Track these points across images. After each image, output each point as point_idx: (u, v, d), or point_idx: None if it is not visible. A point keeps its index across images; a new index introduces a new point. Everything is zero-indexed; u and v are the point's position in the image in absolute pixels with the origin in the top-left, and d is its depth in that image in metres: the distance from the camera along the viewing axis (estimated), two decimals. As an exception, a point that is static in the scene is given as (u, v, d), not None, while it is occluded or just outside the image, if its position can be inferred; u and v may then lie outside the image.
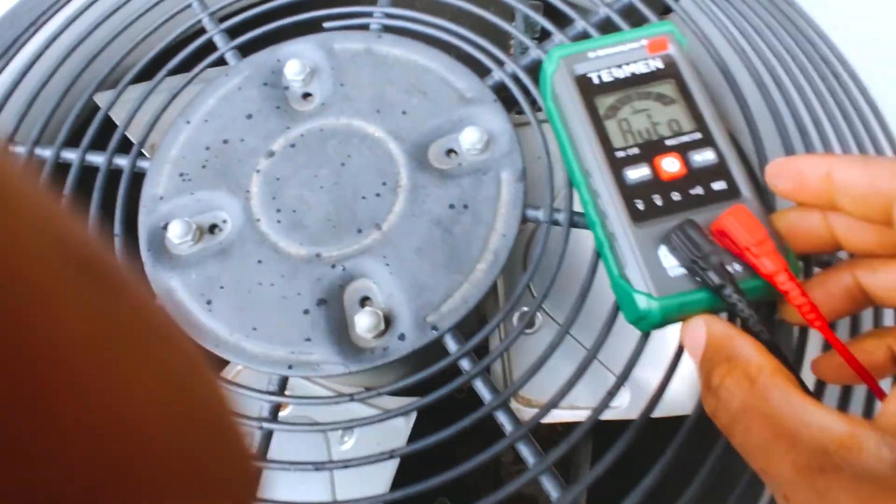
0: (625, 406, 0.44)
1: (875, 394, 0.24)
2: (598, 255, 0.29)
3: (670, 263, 0.25)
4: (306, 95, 0.36)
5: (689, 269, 0.25)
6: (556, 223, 0.31)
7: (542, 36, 0.58)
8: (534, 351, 0.45)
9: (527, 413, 0.42)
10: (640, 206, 0.27)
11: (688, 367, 0.44)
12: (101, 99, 0.36)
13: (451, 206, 0.31)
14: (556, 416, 0.42)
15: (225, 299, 0.30)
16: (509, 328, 0.44)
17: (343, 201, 0.32)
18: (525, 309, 0.45)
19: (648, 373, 0.33)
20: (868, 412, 0.28)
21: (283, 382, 0.29)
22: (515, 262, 0.46)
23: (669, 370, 0.29)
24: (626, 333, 0.41)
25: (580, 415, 0.43)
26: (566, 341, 0.45)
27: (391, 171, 0.32)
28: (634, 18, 0.37)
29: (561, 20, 0.37)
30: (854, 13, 0.40)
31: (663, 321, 0.26)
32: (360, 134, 0.33)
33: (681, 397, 0.40)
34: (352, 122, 0.34)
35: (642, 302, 0.25)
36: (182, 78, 0.36)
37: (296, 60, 0.35)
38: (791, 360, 0.24)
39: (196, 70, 0.36)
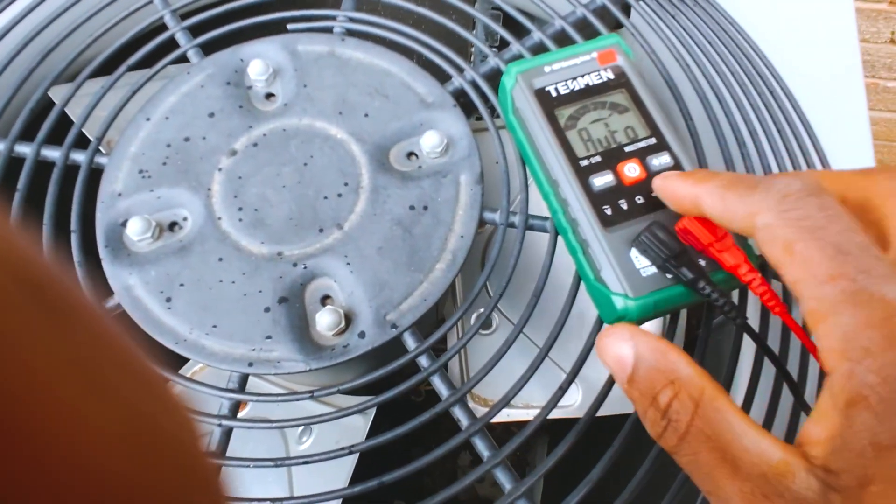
0: (577, 404, 0.45)
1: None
2: (574, 261, 0.30)
3: (642, 264, 0.27)
4: (269, 95, 0.36)
5: (662, 267, 0.27)
6: (512, 226, 0.32)
7: (502, 44, 0.60)
8: (490, 351, 0.47)
9: (483, 412, 0.44)
10: (609, 211, 0.28)
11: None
12: (58, 93, 0.36)
13: (412, 208, 0.32)
14: (511, 414, 0.44)
15: (185, 297, 0.30)
16: (467, 328, 0.45)
17: (305, 201, 0.32)
18: (482, 310, 0.46)
19: (601, 372, 0.35)
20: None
21: (244, 380, 0.29)
22: (473, 263, 0.47)
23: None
24: (580, 333, 0.42)
25: (535, 413, 0.44)
26: (522, 342, 0.47)
27: (353, 171, 0.33)
28: (588, 32, 0.39)
29: (518, 29, 0.39)
30: (790, 32, 0.43)
31: (640, 319, 0.28)
32: (322, 135, 0.34)
33: (619, 397, 0.42)
34: (314, 123, 0.34)
35: (619, 302, 0.27)
36: (142, 74, 0.36)
37: (259, 60, 0.35)
38: (764, 341, 0.26)
39: (158, 66, 0.36)
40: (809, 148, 0.38)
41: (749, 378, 0.29)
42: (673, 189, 0.25)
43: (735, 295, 0.32)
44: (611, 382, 0.31)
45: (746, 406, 0.28)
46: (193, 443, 0.11)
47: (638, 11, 0.42)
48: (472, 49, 0.64)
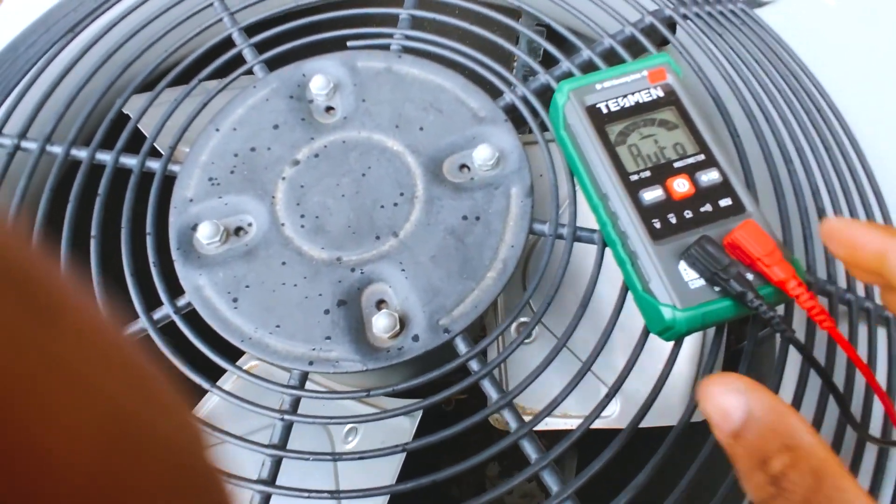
0: (615, 415, 0.46)
1: (881, 399, 0.27)
2: (622, 274, 0.31)
3: (690, 277, 0.28)
4: (329, 109, 0.38)
5: (710, 280, 0.27)
6: (560, 237, 0.33)
7: (545, 60, 0.61)
8: (529, 361, 0.48)
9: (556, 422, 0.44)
10: (658, 224, 0.29)
11: (677, 378, 0.47)
12: (136, 103, 0.38)
13: (465, 218, 0.33)
14: (550, 423, 0.44)
15: (250, 298, 0.32)
16: (507, 338, 0.46)
17: (363, 209, 0.34)
18: (524, 319, 0.47)
19: (637, 383, 0.36)
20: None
21: (304, 378, 0.31)
22: (514, 273, 0.48)
23: (659, 383, 0.31)
24: (620, 344, 0.43)
25: (571, 423, 0.45)
26: (560, 352, 0.48)
27: (408, 182, 0.34)
28: (634, 49, 0.40)
29: (564, 47, 0.40)
30: (838, 51, 0.43)
31: (688, 330, 0.29)
32: (379, 147, 0.36)
33: (668, 408, 0.42)
34: (372, 136, 0.36)
35: (668, 313, 0.28)
36: (213, 85, 0.38)
37: (320, 75, 0.37)
38: (812, 354, 0.26)
39: (227, 80, 0.38)
40: (858, 167, 0.38)
41: (794, 392, 0.29)
42: (854, 235, 0.23)
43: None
44: (653, 396, 0.31)
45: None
46: (188, 443, 0.11)
47: (685, 30, 0.42)
48: (514, 64, 0.66)
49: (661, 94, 0.33)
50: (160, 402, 0.11)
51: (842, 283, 0.34)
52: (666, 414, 0.40)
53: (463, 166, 0.36)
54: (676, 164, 0.31)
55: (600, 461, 0.29)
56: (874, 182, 0.39)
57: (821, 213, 0.35)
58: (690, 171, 0.30)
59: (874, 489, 0.30)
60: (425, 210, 0.34)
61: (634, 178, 0.30)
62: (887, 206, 0.38)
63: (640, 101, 0.32)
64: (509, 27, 0.41)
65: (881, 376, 0.33)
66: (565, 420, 0.45)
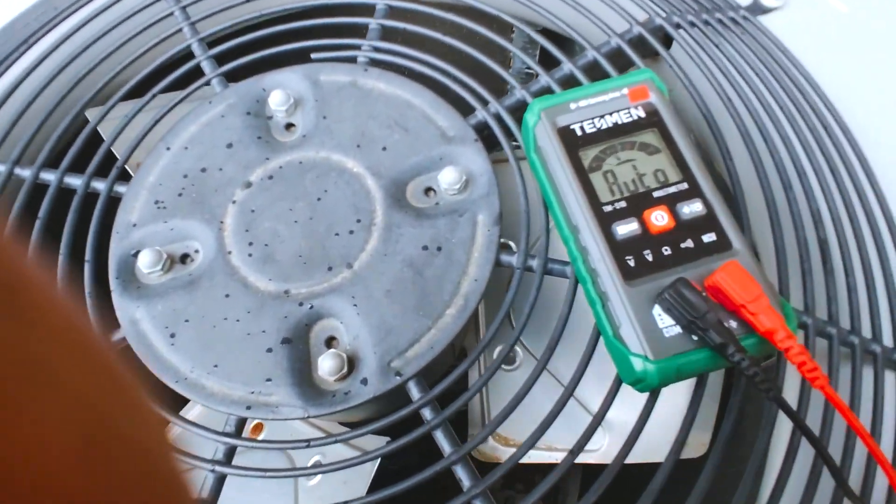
0: (603, 449, 0.43)
1: (885, 471, 0.24)
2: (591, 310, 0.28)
3: (666, 323, 0.25)
4: (289, 126, 0.35)
5: (687, 328, 0.24)
6: (529, 269, 0.30)
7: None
8: (513, 388, 0.45)
9: (503, 452, 0.42)
10: (631, 262, 0.26)
11: (663, 411, 0.43)
12: (91, 114, 0.36)
13: (425, 248, 0.31)
14: (533, 456, 0.41)
15: (189, 333, 0.29)
16: (489, 363, 0.43)
17: (316, 237, 0.31)
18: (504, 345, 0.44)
19: (629, 415, 0.32)
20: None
21: (241, 423, 0.29)
22: (500, 294, 0.45)
23: (642, 417, 0.28)
24: (609, 372, 0.40)
25: (556, 456, 0.42)
26: (548, 379, 0.45)
27: (367, 207, 0.32)
28: (621, 62, 0.36)
29: (545, 59, 0.37)
30: (851, 59, 0.39)
31: (661, 383, 0.25)
32: (338, 168, 0.33)
33: (661, 443, 0.39)
34: (331, 156, 0.33)
35: (638, 364, 0.25)
36: (170, 99, 0.36)
37: (280, 91, 0.35)
38: (798, 416, 0.23)
39: (182, 94, 0.36)
40: (868, 192, 0.35)
41: (783, 458, 0.26)
42: None
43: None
44: (639, 429, 0.28)
45: (779, 490, 0.25)
46: (156, 445, 0.11)
47: (678, 42, 0.39)
48: (510, 70, 0.63)
49: (643, 114, 0.29)
50: (131, 403, 0.11)
51: (845, 323, 0.31)
52: (658, 450, 0.37)
53: (429, 189, 0.33)
54: (656, 194, 0.27)
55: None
56: (886, 208, 0.35)
57: (822, 245, 0.32)
58: (671, 201, 0.27)
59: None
60: (383, 238, 0.31)
61: (608, 208, 0.27)
62: (901, 236, 0.34)
63: (619, 122, 0.29)
64: (497, 42, 0.38)
65: (888, 428, 0.30)
66: (550, 453, 0.43)
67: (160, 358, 0.29)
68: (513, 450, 0.37)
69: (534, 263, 0.30)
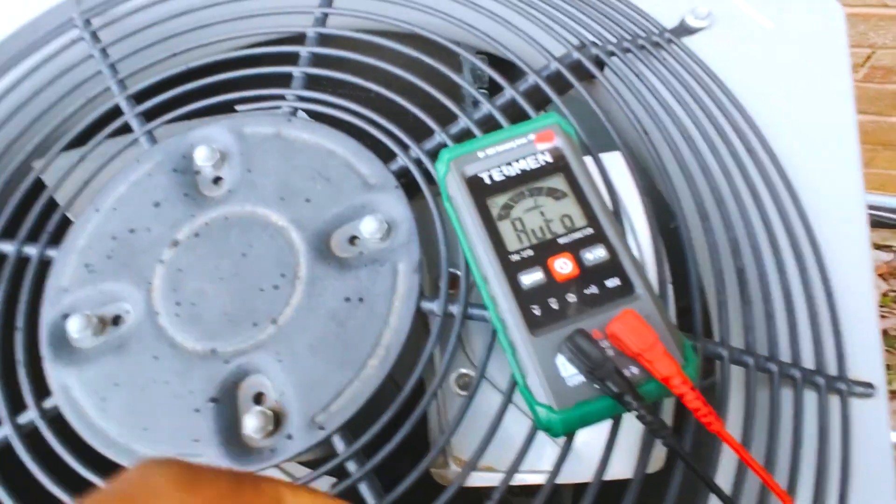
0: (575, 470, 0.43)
1: (775, 493, 0.24)
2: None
3: (569, 372, 0.25)
4: (217, 180, 0.36)
5: (587, 377, 0.25)
6: (449, 316, 0.31)
7: (492, 90, 0.58)
8: (471, 413, 0.45)
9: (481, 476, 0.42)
10: (537, 311, 0.27)
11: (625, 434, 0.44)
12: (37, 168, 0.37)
13: (347, 300, 0.31)
14: (476, 479, 0.42)
15: (119, 397, 0.30)
16: (447, 391, 0.44)
17: (241, 294, 0.32)
18: (462, 371, 0.45)
19: (584, 434, 0.33)
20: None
21: (172, 484, 0.29)
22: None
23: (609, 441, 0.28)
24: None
25: (501, 478, 0.43)
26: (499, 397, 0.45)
27: (291, 261, 0.32)
28: (560, 86, 0.37)
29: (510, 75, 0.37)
30: (777, 84, 0.40)
31: (567, 432, 0.26)
32: (262, 222, 0.33)
33: (619, 463, 0.40)
34: (256, 210, 0.34)
35: (543, 414, 0.25)
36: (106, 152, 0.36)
37: (204, 146, 0.35)
38: (694, 463, 0.24)
39: (110, 157, 0.36)
40: (792, 216, 0.35)
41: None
42: None
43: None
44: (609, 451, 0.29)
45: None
46: None
47: (610, 67, 0.40)
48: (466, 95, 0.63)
49: (550, 159, 0.30)
50: None
51: (762, 350, 0.31)
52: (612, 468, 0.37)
53: (353, 238, 0.33)
54: (561, 241, 0.28)
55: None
56: (811, 232, 0.35)
57: (740, 275, 0.32)
58: (575, 248, 0.28)
59: None
60: (307, 292, 0.32)
61: (515, 257, 0.28)
62: (824, 260, 0.35)
63: (527, 169, 0.30)
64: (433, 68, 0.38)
65: (810, 449, 0.30)
66: (493, 475, 0.43)
67: (91, 424, 0.30)
68: (481, 473, 0.38)
69: (454, 310, 0.31)
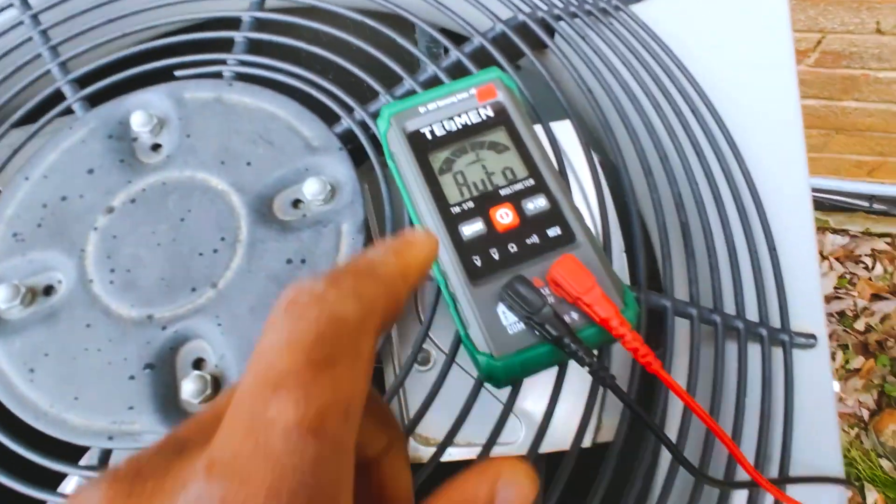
0: (520, 441, 0.43)
1: (716, 434, 0.24)
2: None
3: (510, 320, 0.25)
4: (156, 147, 0.35)
5: (527, 324, 0.25)
6: (395, 275, 0.30)
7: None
8: (429, 388, 0.45)
9: (426, 452, 0.42)
10: (478, 262, 0.26)
11: (569, 402, 0.44)
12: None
13: (289, 261, 0.30)
14: (453, 454, 0.42)
15: (49, 368, 0.29)
16: (406, 365, 0.43)
17: (179, 259, 0.31)
18: (423, 346, 0.44)
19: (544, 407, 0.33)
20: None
21: (106, 455, 0.28)
22: (408, 301, 0.45)
23: (550, 406, 0.28)
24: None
25: (475, 452, 0.43)
26: (464, 378, 0.45)
27: (231, 225, 0.31)
28: (511, 52, 0.37)
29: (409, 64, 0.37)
30: (719, 47, 0.40)
31: (509, 380, 0.26)
32: (202, 187, 0.33)
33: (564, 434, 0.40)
34: (195, 175, 0.33)
35: (484, 362, 0.25)
36: (26, 131, 0.35)
37: (141, 111, 0.34)
38: (635, 404, 0.24)
39: (40, 122, 0.35)
40: (735, 172, 0.36)
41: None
42: None
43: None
44: (548, 417, 0.28)
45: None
46: None
47: (559, 32, 0.40)
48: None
49: (492, 113, 0.30)
50: None
51: (707, 302, 0.32)
52: (560, 438, 0.37)
53: (298, 202, 0.33)
54: (502, 192, 0.28)
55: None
56: (754, 189, 0.36)
57: (684, 229, 0.32)
58: (516, 198, 0.28)
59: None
60: (247, 255, 0.31)
61: (456, 210, 0.27)
62: (768, 216, 0.35)
63: (469, 123, 0.29)
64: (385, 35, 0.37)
65: (754, 399, 0.31)
66: (470, 449, 0.43)
67: (19, 395, 0.28)
68: (432, 449, 0.37)
69: (399, 268, 0.30)
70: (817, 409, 0.32)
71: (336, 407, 0.12)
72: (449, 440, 0.29)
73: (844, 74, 1.05)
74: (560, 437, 0.32)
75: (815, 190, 1.34)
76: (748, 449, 0.30)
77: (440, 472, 0.27)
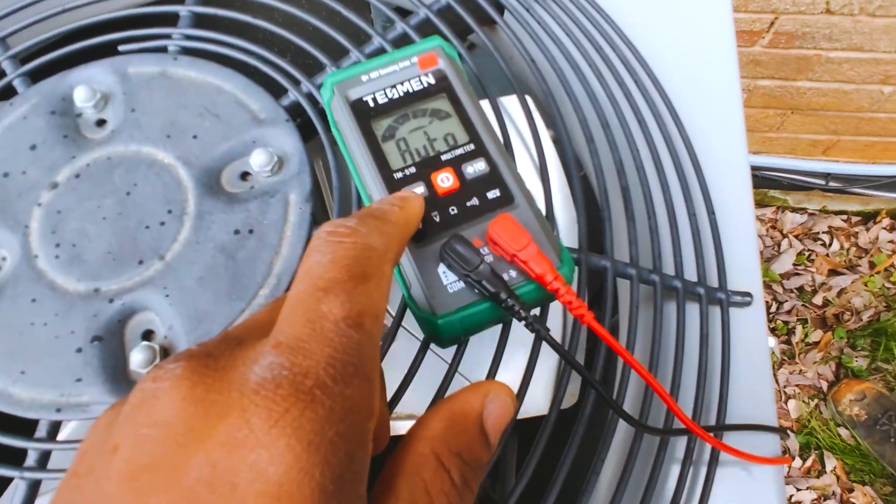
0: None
1: (651, 385, 0.26)
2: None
3: (450, 279, 0.26)
4: (101, 122, 0.34)
5: (465, 282, 0.25)
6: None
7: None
8: (390, 363, 0.46)
9: (403, 425, 0.42)
10: (420, 225, 0.27)
11: (541, 370, 0.45)
12: None
13: (237, 232, 0.31)
14: (397, 427, 0.43)
15: (-6, 343, 0.29)
16: None
17: (126, 232, 0.31)
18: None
19: (505, 375, 0.34)
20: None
21: (55, 427, 0.28)
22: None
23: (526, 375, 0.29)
24: (486, 339, 0.41)
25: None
26: (428, 355, 0.46)
27: (178, 198, 0.32)
28: (459, 27, 0.37)
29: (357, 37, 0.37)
30: (660, 20, 0.41)
31: (452, 337, 0.26)
32: (148, 161, 0.32)
33: (537, 399, 0.41)
34: (141, 149, 0.33)
35: (426, 322, 0.26)
36: (-35, 109, 0.34)
37: (84, 87, 0.34)
38: (570, 356, 0.25)
39: (-20, 100, 0.34)
40: (676, 139, 0.37)
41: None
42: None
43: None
44: (525, 385, 0.29)
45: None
46: None
47: (507, 7, 0.40)
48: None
49: (433, 81, 0.30)
50: None
51: (646, 263, 0.33)
52: (530, 405, 0.38)
53: (245, 174, 0.33)
54: (444, 157, 0.28)
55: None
56: (694, 155, 0.37)
57: (625, 193, 0.34)
58: (457, 163, 0.28)
59: (656, 471, 0.28)
60: (195, 227, 0.31)
61: (399, 175, 0.28)
62: (707, 181, 0.37)
63: (411, 91, 0.30)
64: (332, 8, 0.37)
65: (693, 355, 0.32)
66: (410, 422, 0.44)
67: (-37, 371, 0.28)
68: (411, 422, 0.38)
69: (346, 236, 0.31)
70: (753, 363, 0.33)
71: (370, 309, 0.15)
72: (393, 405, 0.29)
73: (798, 55, 1.08)
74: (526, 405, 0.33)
75: (772, 169, 1.37)
76: (687, 401, 0.31)
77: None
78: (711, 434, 0.28)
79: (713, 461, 0.30)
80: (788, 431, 1.25)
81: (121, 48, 0.36)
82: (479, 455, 0.16)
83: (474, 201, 0.27)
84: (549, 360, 0.43)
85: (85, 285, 0.30)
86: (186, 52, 0.36)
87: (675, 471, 0.30)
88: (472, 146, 0.29)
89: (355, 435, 0.13)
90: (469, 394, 0.17)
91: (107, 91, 0.34)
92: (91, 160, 0.33)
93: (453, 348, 0.30)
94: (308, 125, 0.34)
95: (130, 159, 0.33)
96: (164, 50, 0.36)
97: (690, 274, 0.34)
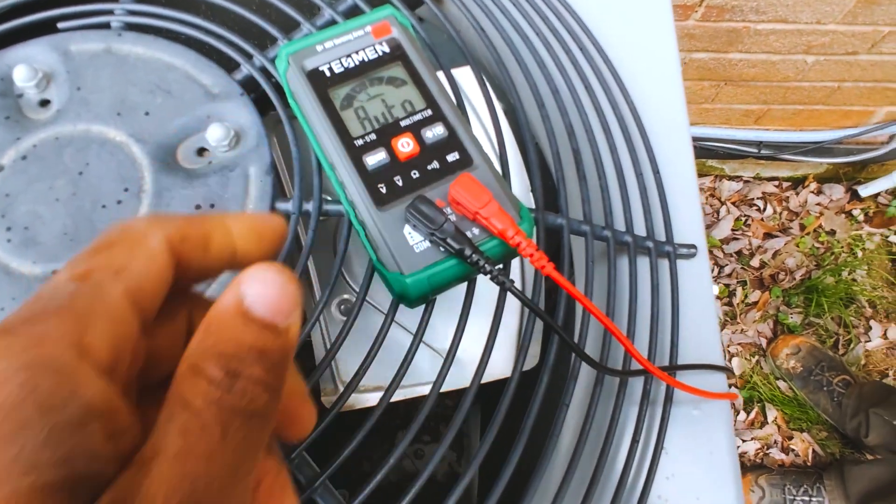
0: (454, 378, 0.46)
1: (609, 329, 0.27)
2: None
3: (416, 239, 0.27)
4: (44, 103, 0.33)
5: (431, 241, 0.26)
6: (306, 214, 0.31)
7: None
8: (356, 336, 0.46)
9: (372, 397, 0.43)
10: (383, 189, 0.27)
11: (503, 336, 0.47)
12: None
13: (198, 207, 0.31)
14: (360, 400, 0.43)
15: (-52, 330, 0.28)
16: (328, 318, 0.44)
17: (81, 213, 0.30)
18: (346, 296, 0.45)
19: (466, 343, 0.35)
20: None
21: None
22: (327, 250, 0.46)
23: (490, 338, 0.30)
24: (451, 309, 0.42)
25: (420, 390, 0.44)
26: (392, 327, 0.47)
27: (134, 175, 0.31)
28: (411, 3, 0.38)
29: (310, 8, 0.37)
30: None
31: (420, 296, 0.27)
32: (99, 140, 0.32)
33: (499, 363, 0.42)
34: (90, 128, 0.32)
35: (395, 282, 0.27)
36: None
37: (23, 66, 0.33)
38: (533, 304, 0.26)
39: None
40: (621, 102, 0.39)
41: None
42: None
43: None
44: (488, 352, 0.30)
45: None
46: None
47: (449, -21, 0.41)
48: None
49: (388, 49, 0.31)
50: None
51: (599, 220, 0.35)
52: (493, 368, 0.39)
53: (202, 150, 0.33)
54: (403, 123, 0.29)
55: (354, 442, 0.28)
56: (639, 118, 0.39)
57: (576, 154, 0.35)
58: (416, 128, 0.29)
59: (616, 412, 0.30)
60: (154, 204, 0.31)
61: (359, 142, 0.28)
62: (651, 142, 0.39)
63: (366, 60, 0.30)
64: None
65: (645, 303, 0.34)
66: (376, 394, 0.45)
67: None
68: (379, 393, 0.39)
69: (309, 207, 0.31)
70: (700, 309, 0.36)
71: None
72: (360, 375, 0.30)
73: (728, 27, 1.13)
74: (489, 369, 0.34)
75: (708, 139, 1.44)
76: (642, 346, 0.33)
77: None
78: (666, 373, 0.30)
79: (668, 401, 0.32)
80: (734, 388, 1.33)
81: (60, 25, 0.35)
82: (255, 342, 0.13)
83: (435, 164, 0.28)
84: (510, 326, 0.45)
85: (42, 267, 0.29)
86: (131, 27, 0.35)
87: (633, 412, 0.32)
88: (429, 111, 0.29)
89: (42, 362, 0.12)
90: (220, 296, 0.14)
91: (49, 70, 0.33)
92: (38, 141, 0.32)
93: (417, 317, 0.31)
94: (263, 99, 0.34)
95: (80, 139, 0.32)
96: (107, 26, 0.35)
97: (640, 229, 0.36)
